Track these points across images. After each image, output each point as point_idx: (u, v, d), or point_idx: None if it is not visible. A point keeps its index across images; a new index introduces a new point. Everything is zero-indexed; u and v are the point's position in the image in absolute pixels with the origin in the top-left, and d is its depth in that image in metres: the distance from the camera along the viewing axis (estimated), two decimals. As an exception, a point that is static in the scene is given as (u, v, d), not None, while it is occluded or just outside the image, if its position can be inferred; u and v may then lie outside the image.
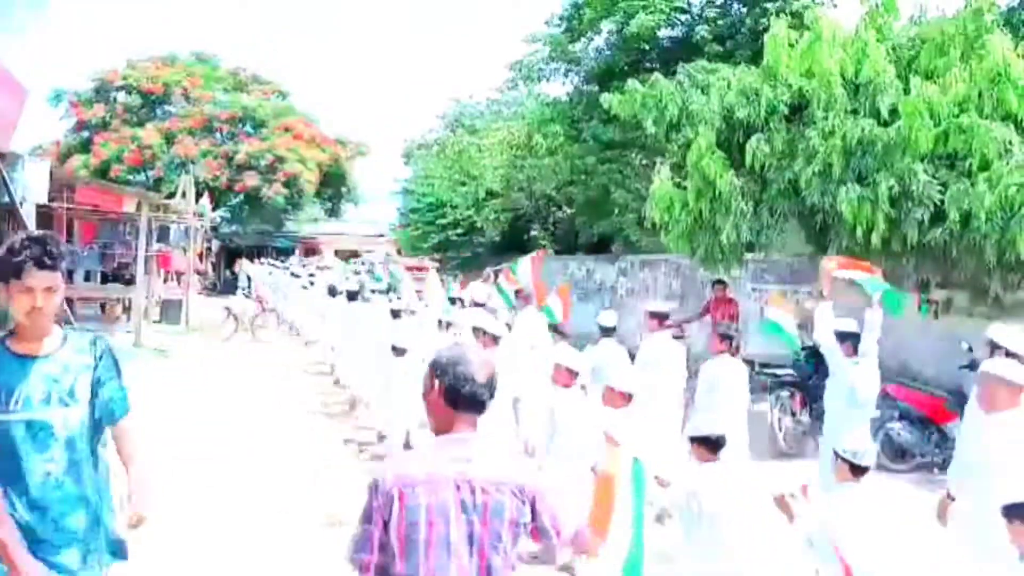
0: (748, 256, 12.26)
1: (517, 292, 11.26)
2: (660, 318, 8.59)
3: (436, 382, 2.62)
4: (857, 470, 4.29)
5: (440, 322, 9.78)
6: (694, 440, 4.60)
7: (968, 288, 10.55)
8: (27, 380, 3.05)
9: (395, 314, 10.43)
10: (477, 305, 10.83)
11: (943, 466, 9.46)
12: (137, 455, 3.32)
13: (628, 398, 5.47)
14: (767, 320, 8.56)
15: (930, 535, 5.09)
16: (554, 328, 8.65)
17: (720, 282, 12.58)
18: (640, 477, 4.80)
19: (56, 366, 3.11)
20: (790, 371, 10.91)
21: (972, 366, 9.55)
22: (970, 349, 9.67)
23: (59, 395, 3.09)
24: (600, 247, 21.82)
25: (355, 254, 38.33)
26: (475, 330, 8.03)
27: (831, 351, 7.15)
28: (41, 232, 3.25)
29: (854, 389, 6.86)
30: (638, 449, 4.87)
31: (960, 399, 9.66)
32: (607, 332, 8.64)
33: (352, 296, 13.43)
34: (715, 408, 6.83)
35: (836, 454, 4.37)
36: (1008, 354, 5.73)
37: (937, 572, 4.89)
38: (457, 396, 2.59)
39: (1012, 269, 9.45)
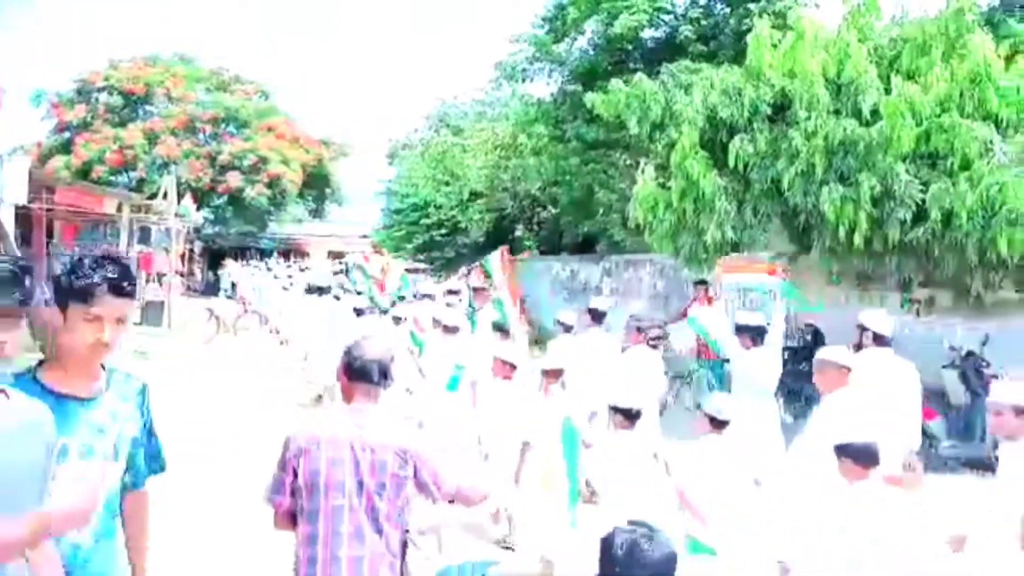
0: (733, 256, 12.29)
1: (476, 290, 11.50)
2: (596, 315, 8.95)
3: (341, 361, 3.31)
4: (717, 423, 4.97)
5: (396, 318, 10.08)
6: (615, 409, 5.21)
7: (950, 287, 10.61)
8: (68, 428, 2.46)
9: (358, 312, 11.09)
10: (425, 296, 11.74)
11: (925, 464, 9.50)
12: (146, 532, 2.90)
13: (556, 375, 6.35)
14: (690, 317, 9.13)
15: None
16: (499, 328, 8.95)
17: (702, 282, 12.62)
18: (571, 434, 5.82)
19: (103, 413, 2.59)
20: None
21: (954, 364, 9.63)
22: (952, 348, 9.72)
23: (103, 449, 2.55)
24: (585, 247, 21.84)
25: (340, 255, 38.23)
26: (435, 322, 8.56)
27: (723, 342, 8.07)
28: (109, 251, 2.77)
29: (752, 376, 7.30)
30: (570, 412, 5.97)
31: (942, 397, 9.74)
32: (567, 328, 8.90)
33: (321, 292, 13.73)
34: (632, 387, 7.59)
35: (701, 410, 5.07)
36: (876, 336, 6.29)
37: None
38: (350, 369, 3.29)
39: (993, 268, 9.51)
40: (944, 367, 9.68)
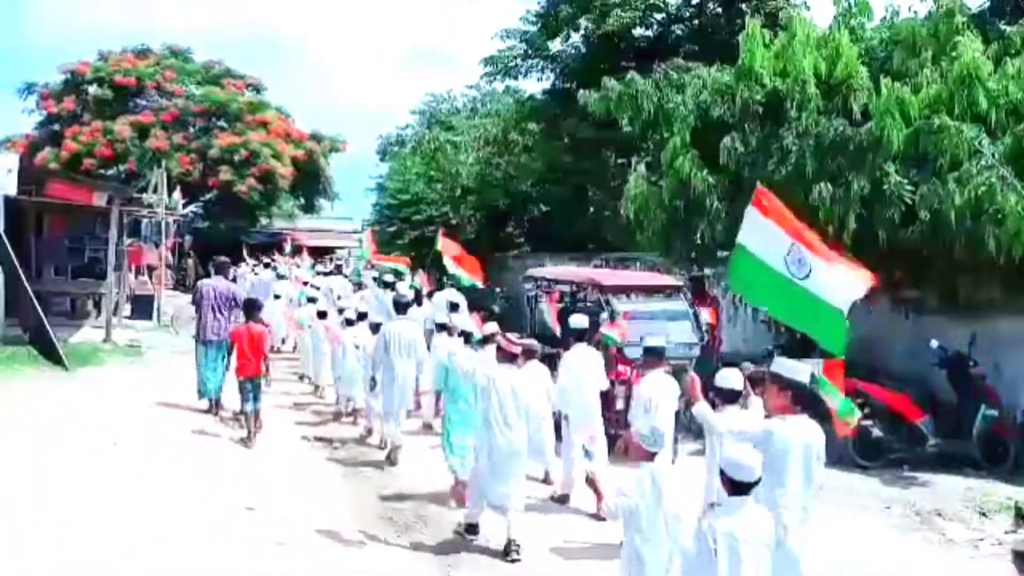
0: (723, 255, 12.32)
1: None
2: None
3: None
4: None
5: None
6: None
7: (938, 287, 10.67)
8: None
9: (280, 276, 18.64)
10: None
11: (914, 462, 9.58)
12: None
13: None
14: None
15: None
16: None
17: (698, 279, 12.74)
18: None
19: None
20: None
21: (942, 364, 9.70)
22: (941, 347, 9.79)
23: None
24: (576, 245, 21.82)
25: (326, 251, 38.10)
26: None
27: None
28: None
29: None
30: None
31: (930, 396, 9.81)
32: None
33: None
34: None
35: None
36: None
37: None
38: (214, 265, 12.21)
39: (981, 268, 9.57)
40: (932, 365, 9.76)
